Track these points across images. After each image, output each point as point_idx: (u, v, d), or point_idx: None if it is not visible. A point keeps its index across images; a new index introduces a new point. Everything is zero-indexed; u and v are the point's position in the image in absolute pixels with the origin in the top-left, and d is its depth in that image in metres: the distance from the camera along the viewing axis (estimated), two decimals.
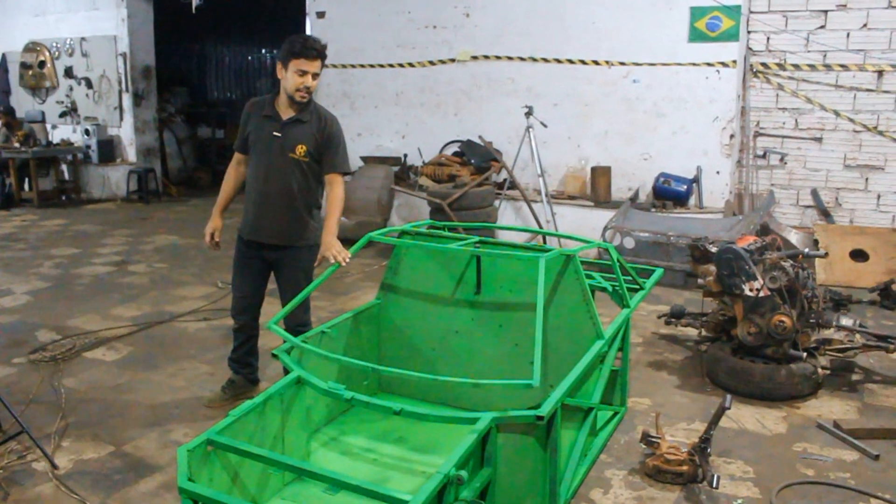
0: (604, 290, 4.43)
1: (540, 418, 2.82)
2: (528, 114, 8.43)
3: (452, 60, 9.52)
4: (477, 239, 4.03)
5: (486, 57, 9.28)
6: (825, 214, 8.09)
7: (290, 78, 3.98)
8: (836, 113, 7.89)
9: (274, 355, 3.42)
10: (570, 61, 8.76)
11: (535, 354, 3.03)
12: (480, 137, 9.09)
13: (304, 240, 4.22)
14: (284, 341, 4.02)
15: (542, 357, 3.86)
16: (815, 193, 8.12)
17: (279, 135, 4.09)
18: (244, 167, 4.33)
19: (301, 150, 4.10)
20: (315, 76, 4.00)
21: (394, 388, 4.28)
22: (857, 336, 4.89)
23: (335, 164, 4.22)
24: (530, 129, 8.45)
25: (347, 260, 3.97)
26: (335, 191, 4.22)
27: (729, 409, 3.49)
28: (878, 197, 7.91)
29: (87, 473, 3.68)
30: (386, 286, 4.21)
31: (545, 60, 8.92)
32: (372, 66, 10.07)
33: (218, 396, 4.47)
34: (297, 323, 4.30)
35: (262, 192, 4.16)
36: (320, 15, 10.41)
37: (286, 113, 4.11)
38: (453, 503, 2.59)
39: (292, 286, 4.23)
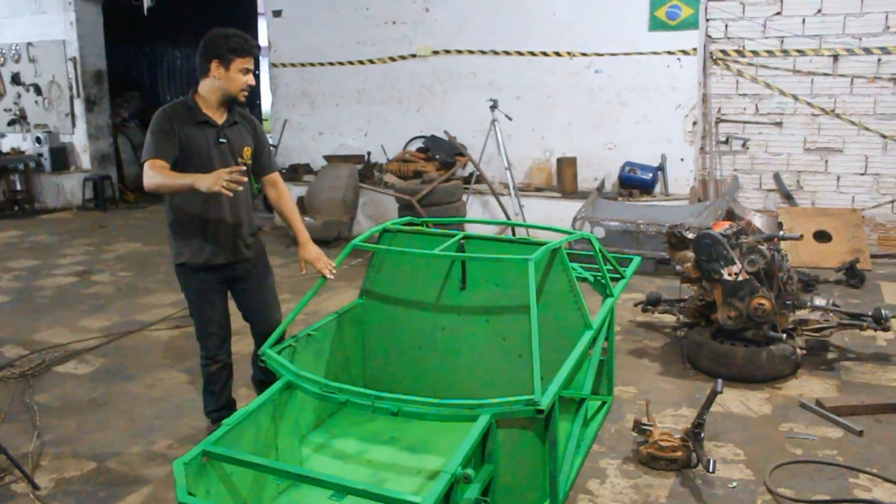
0: (584, 280, 4.44)
1: (540, 411, 2.80)
2: (493, 107, 8.41)
3: (413, 56, 9.46)
4: (462, 235, 3.99)
5: (447, 51, 9.24)
6: (788, 197, 8.23)
7: (234, 77, 3.61)
8: (795, 97, 8.03)
9: (262, 360, 3.35)
10: (532, 53, 8.77)
11: (533, 367, 2.96)
12: (445, 132, 9.05)
13: (260, 244, 4.02)
14: (258, 356, 3.95)
15: (530, 350, 3.88)
16: (777, 177, 8.25)
17: (224, 140, 3.71)
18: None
19: (247, 152, 3.82)
20: (255, 74, 3.79)
21: (380, 387, 4.21)
22: (832, 315, 4.98)
23: (273, 163, 4.08)
24: (495, 123, 8.44)
25: (334, 273, 3.86)
26: (283, 189, 4.02)
27: (721, 392, 3.52)
28: (838, 179, 8.07)
29: (70, 493, 3.56)
30: (369, 285, 4.15)
31: (507, 53, 8.92)
32: (331, 63, 9.96)
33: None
34: (276, 323, 4.18)
35: (218, 207, 3.70)
36: (276, 13, 10.26)
37: (218, 116, 3.72)
38: (460, 502, 2.56)
39: (271, 293, 4.06)
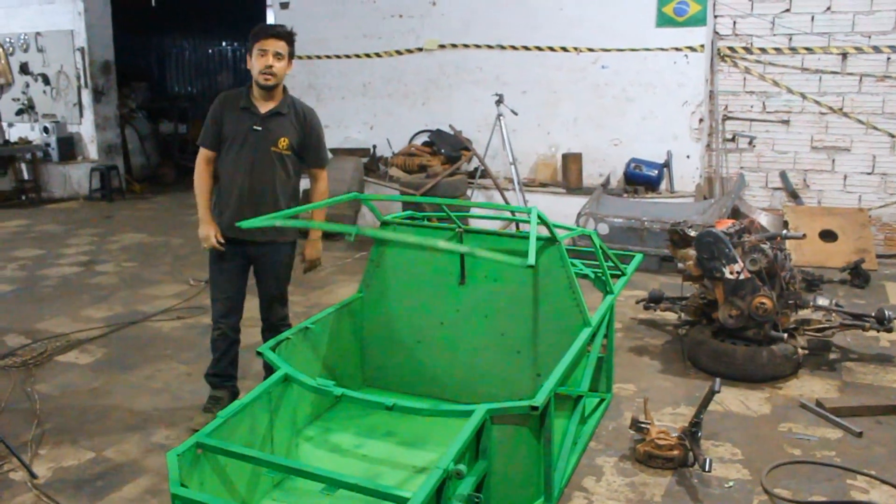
0: (585, 276, 4.43)
1: (535, 409, 2.80)
2: (499, 102, 8.39)
3: (419, 49, 9.44)
4: (460, 228, 3.98)
5: (454, 45, 9.22)
6: (794, 196, 8.19)
7: (254, 63, 3.87)
8: (803, 95, 7.99)
9: (259, 353, 3.36)
10: (539, 48, 8.74)
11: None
12: (450, 126, 9.04)
13: (286, 235, 4.10)
14: (264, 341, 3.98)
15: (529, 346, 3.88)
16: (783, 175, 8.21)
17: (259, 128, 3.94)
18: (213, 164, 4.08)
19: (283, 143, 3.98)
20: (278, 56, 3.85)
21: (379, 382, 4.24)
22: (834, 315, 4.95)
23: (320, 158, 4.16)
24: (501, 117, 8.42)
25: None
26: (321, 186, 4.16)
27: (719, 392, 3.50)
28: (845, 178, 8.02)
29: (68, 481, 3.57)
30: (368, 279, 4.15)
31: (513, 48, 8.89)
32: (338, 56, 9.94)
33: (206, 419, 4.00)
34: (278, 318, 4.23)
35: (243, 187, 3.96)
36: (284, 6, 10.24)
37: (263, 106, 3.96)
38: (452, 498, 2.56)
39: (275, 282, 4.16)
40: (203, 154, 4.06)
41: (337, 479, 2.52)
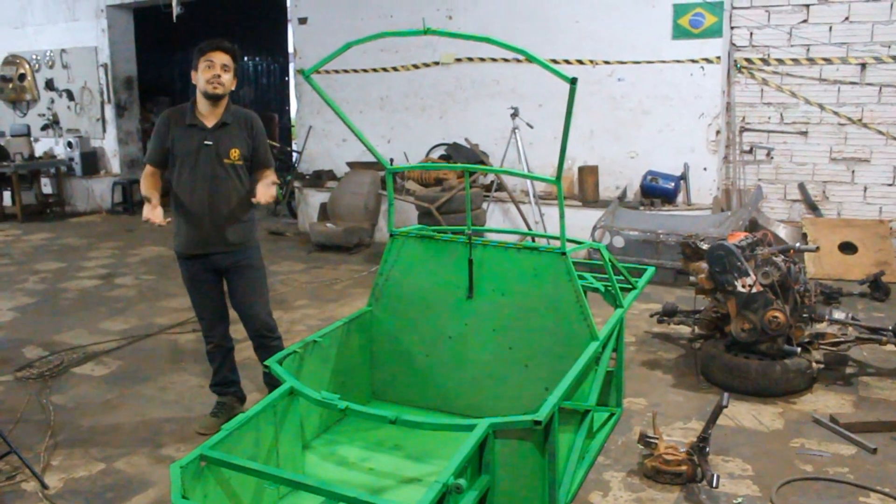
0: (596, 290, 4.41)
1: (538, 423, 2.78)
2: (514, 115, 8.40)
3: (436, 63, 9.49)
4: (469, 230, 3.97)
5: (470, 59, 9.26)
6: (813, 208, 8.11)
7: (200, 75, 3.96)
8: (821, 106, 7.92)
9: (265, 366, 3.38)
10: (555, 61, 8.74)
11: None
12: (466, 140, 9.07)
13: (252, 239, 4.23)
14: (259, 360, 4.01)
15: (537, 360, 3.87)
16: (802, 187, 8.13)
17: (210, 143, 4.02)
18: (159, 179, 4.17)
19: (235, 154, 4.07)
20: (224, 68, 3.97)
21: (387, 396, 4.24)
22: (850, 329, 4.89)
23: (267, 160, 4.24)
24: (516, 130, 8.43)
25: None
26: (266, 176, 4.19)
27: (726, 406, 3.47)
28: (865, 189, 7.93)
29: (78, 492, 3.61)
30: (377, 293, 4.17)
31: (529, 61, 8.87)
32: (356, 70, 10.02)
33: (212, 423, 4.21)
34: (266, 328, 4.26)
35: (200, 202, 4.04)
36: (302, 21, 10.36)
37: (209, 119, 4.04)
38: None
39: (252, 287, 4.22)
40: (147, 170, 4.15)
41: (338, 493, 2.52)
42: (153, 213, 3.92)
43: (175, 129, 4.05)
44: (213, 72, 3.95)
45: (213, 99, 4.01)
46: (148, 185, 4.10)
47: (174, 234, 4.19)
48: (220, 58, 3.97)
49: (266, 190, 4.03)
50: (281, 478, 2.72)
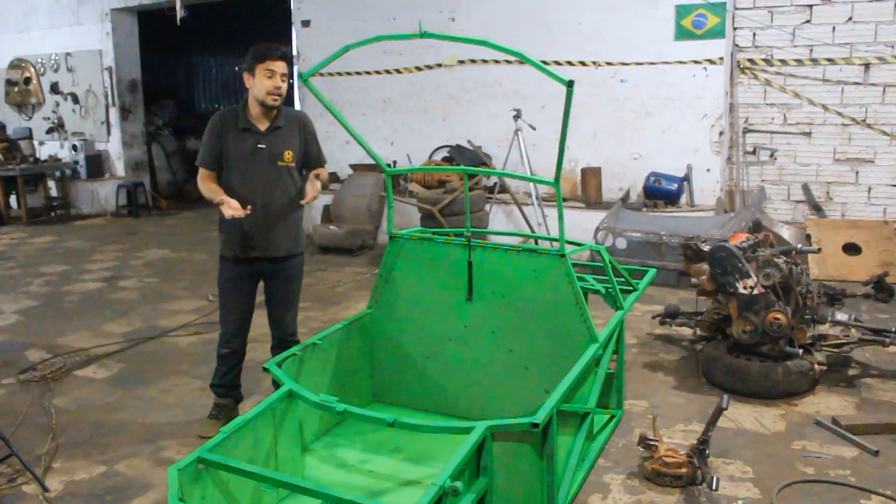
0: (597, 292, 4.40)
1: (535, 425, 2.78)
2: (517, 117, 8.40)
3: (439, 65, 9.49)
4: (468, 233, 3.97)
5: (473, 61, 9.26)
6: (817, 209, 8.08)
7: (259, 83, 3.89)
8: (825, 107, 7.89)
9: (265, 369, 3.38)
10: (557, 63, 8.74)
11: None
12: (469, 142, 9.06)
13: (300, 247, 4.21)
14: (272, 355, 4.03)
15: (537, 362, 3.86)
16: (806, 188, 8.11)
17: (264, 146, 4.00)
18: (216, 180, 4.09)
19: (289, 156, 4.06)
20: (283, 77, 3.92)
21: (388, 398, 4.24)
22: (853, 331, 4.87)
23: (320, 159, 4.25)
24: (519, 132, 8.42)
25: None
26: (319, 174, 4.17)
27: (726, 409, 3.46)
28: (869, 190, 7.90)
29: (78, 495, 3.62)
30: (377, 295, 4.17)
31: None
32: (359, 73, 10.04)
33: (212, 425, 4.18)
34: (289, 333, 4.29)
35: (255, 205, 3.94)
36: (305, 24, 10.38)
37: (262, 123, 4.02)
38: None
39: (288, 296, 4.23)
40: (203, 173, 4.05)
41: (336, 496, 2.52)
42: (231, 206, 3.79)
43: (228, 134, 4.00)
44: (275, 83, 3.89)
45: (273, 109, 4.00)
46: (210, 187, 3.99)
47: (220, 238, 4.12)
48: (281, 67, 3.90)
49: (312, 187, 4.02)
50: (279, 480, 2.72)
